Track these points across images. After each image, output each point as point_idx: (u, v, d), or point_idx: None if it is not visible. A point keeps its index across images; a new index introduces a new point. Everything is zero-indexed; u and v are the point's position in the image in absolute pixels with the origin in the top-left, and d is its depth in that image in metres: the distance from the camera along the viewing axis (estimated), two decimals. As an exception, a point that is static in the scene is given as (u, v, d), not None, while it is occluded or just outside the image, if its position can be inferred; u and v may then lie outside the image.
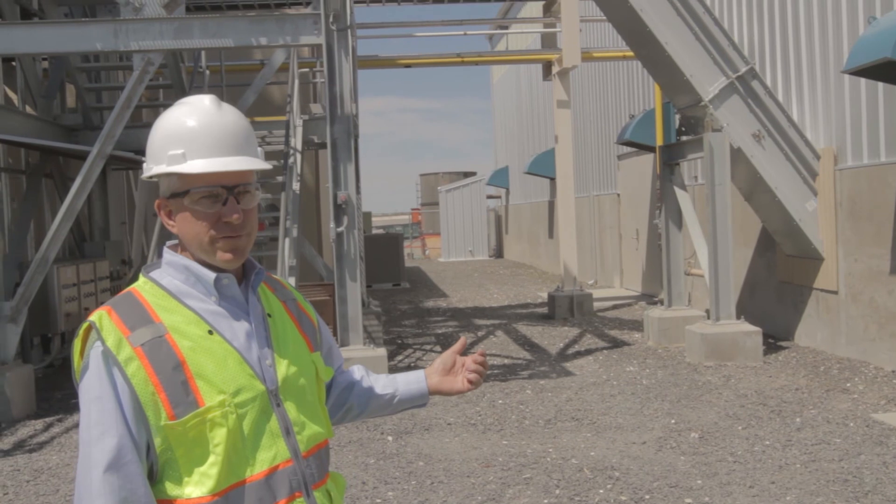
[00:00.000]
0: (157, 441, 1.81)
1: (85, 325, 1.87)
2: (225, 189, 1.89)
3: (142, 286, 1.94)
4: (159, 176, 1.93)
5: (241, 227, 1.91)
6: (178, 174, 1.89)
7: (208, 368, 1.84)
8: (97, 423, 1.80)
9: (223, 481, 1.83)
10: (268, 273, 2.11)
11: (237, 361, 1.88)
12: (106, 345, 1.81)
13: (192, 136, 1.89)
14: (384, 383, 2.35)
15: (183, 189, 1.89)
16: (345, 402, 2.32)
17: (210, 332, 1.88)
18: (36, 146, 10.97)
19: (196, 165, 1.86)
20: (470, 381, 2.30)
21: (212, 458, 1.83)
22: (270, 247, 11.99)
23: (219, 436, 1.83)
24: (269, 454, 1.89)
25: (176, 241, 1.99)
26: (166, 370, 1.81)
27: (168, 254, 1.97)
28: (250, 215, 1.94)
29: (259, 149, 2.00)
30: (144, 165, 1.98)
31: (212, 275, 1.92)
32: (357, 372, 2.37)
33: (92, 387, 1.81)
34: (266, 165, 1.97)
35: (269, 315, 2.02)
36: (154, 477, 1.84)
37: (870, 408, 7.99)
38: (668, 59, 10.63)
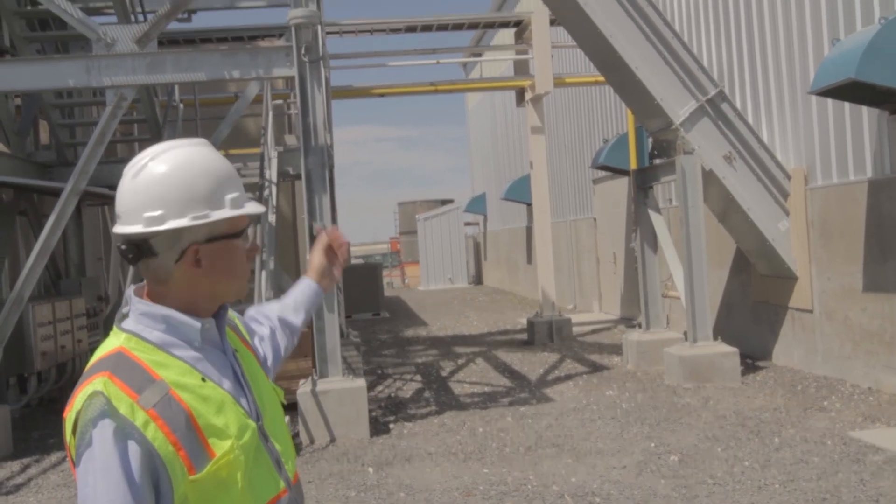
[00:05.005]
0: (176, 499, 1.79)
1: (87, 393, 1.80)
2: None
3: (128, 343, 1.89)
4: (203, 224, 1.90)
5: None
6: (228, 217, 1.94)
7: (211, 417, 1.85)
8: (104, 493, 1.73)
9: None
10: None
11: (232, 404, 1.90)
12: (120, 413, 1.76)
13: (234, 180, 1.97)
14: (293, 313, 2.53)
15: (233, 231, 1.96)
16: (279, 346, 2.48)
17: (203, 380, 1.88)
18: (9, 184, 10.92)
19: (253, 206, 1.98)
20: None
21: (231, 502, 1.86)
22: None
23: (235, 479, 1.85)
24: (272, 486, 1.95)
25: (142, 287, 1.96)
26: (181, 427, 1.79)
27: (142, 304, 1.92)
28: None
29: None
30: (182, 215, 1.87)
31: (198, 324, 1.92)
32: (266, 322, 2.48)
33: (97, 457, 1.75)
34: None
35: (236, 350, 2.05)
36: None
37: (847, 425, 8.04)
38: (638, 83, 10.76)
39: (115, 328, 1.94)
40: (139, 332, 1.90)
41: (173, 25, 12.81)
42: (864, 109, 9.40)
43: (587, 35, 11.01)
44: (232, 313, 2.18)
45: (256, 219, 11.83)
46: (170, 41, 15.51)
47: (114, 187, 2.01)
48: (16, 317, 9.36)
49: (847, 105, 9.69)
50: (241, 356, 2.05)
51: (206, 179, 1.90)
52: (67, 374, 11.36)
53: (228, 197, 1.92)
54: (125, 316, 1.94)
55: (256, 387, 2.03)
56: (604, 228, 19.59)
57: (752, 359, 11.74)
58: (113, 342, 1.90)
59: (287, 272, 14.16)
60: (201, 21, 36.83)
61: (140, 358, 1.85)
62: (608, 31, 10.56)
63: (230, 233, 1.94)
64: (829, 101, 9.96)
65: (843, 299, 10.01)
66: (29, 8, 11.76)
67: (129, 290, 1.96)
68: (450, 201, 40.15)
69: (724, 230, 11.92)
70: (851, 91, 8.61)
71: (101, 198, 12.47)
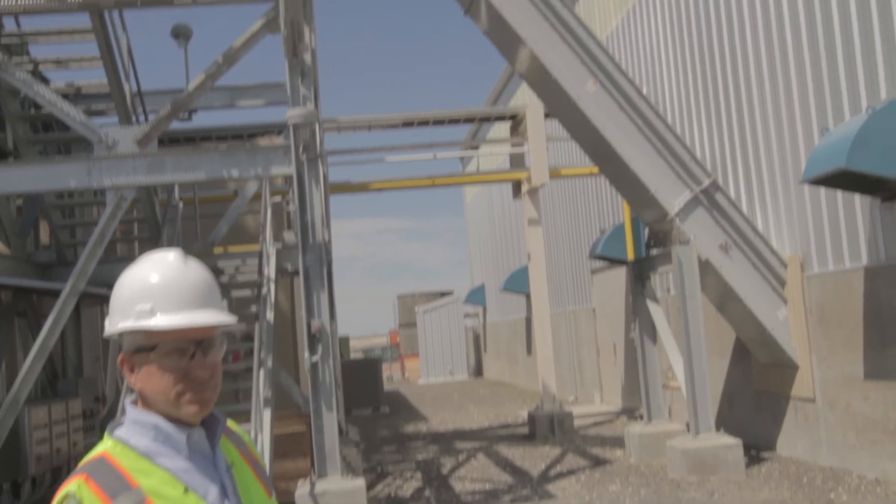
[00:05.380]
0: None
1: (62, 495, 1.81)
2: (192, 343, 1.91)
3: (112, 449, 1.90)
4: (124, 332, 1.93)
5: (208, 381, 1.92)
6: (130, 328, 1.90)
7: None
8: None
9: None
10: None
11: None
12: None
13: (159, 292, 1.90)
14: None
15: (149, 344, 1.90)
16: None
17: (185, 491, 1.86)
18: (8, 286, 10.94)
19: (164, 321, 1.87)
20: None
21: None
22: (245, 378, 11.88)
23: None
24: None
25: (137, 397, 1.97)
26: None
27: (134, 411, 1.94)
28: (217, 368, 1.95)
29: (224, 301, 2.02)
30: (108, 320, 1.97)
31: (183, 434, 1.91)
32: None
33: None
34: (232, 319, 1.98)
35: (232, 463, 2.01)
36: None
37: (855, 518, 7.89)
38: (632, 175, 10.87)
39: (106, 434, 1.95)
40: (127, 439, 1.91)
41: (174, 124, 13.01)
42: (857, 197, 9.49)
43: (580, 128, 11.18)
44: (235, 426, 2.16)
45: (239, 327, 11.66)
46: (170, 140, 15.74)
47: (112, 287, 2.04)
48: (11, 420, 9.25)
49: (839, 192, 9.79)
50: (237, 470, 2.02)
51: (123, 290, 1.95)
52: (62, 477, 11.18)
53: (137, 308, 1.90)
54: (120, 424, 1.95)
55: (248, 501, 1.98)
56: (603, 319, 19.54)
57: (756, 449, 11.57)
58: (100, 448, 1.92)
59: (285, 369, 14.07)
60: (201, 120, 37.42)
61: (121, 464, 1.85)
62: (601, 124, 10.72)
63: (145, 346, 1.91)
64: (822, 189, 10.07)
65: (844, 388, 9.93)
66: (33, 111, 11.97)
67: (127, 400, 1.98)
68: (449, 293, 40.17)
69: (723, 319, 11.90)
70: (843, 179, 8.71)
71: (99, 298, 12.47)
